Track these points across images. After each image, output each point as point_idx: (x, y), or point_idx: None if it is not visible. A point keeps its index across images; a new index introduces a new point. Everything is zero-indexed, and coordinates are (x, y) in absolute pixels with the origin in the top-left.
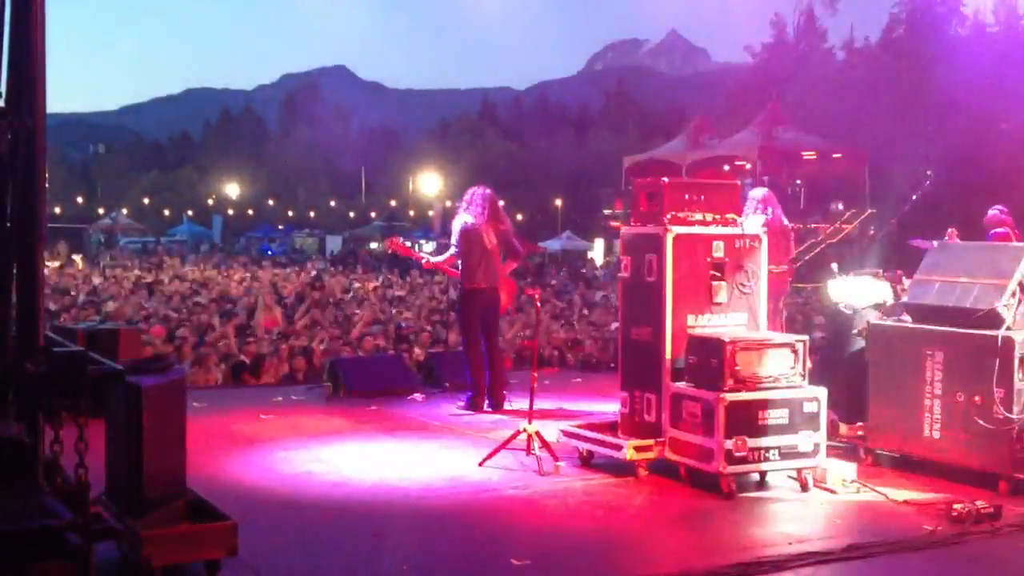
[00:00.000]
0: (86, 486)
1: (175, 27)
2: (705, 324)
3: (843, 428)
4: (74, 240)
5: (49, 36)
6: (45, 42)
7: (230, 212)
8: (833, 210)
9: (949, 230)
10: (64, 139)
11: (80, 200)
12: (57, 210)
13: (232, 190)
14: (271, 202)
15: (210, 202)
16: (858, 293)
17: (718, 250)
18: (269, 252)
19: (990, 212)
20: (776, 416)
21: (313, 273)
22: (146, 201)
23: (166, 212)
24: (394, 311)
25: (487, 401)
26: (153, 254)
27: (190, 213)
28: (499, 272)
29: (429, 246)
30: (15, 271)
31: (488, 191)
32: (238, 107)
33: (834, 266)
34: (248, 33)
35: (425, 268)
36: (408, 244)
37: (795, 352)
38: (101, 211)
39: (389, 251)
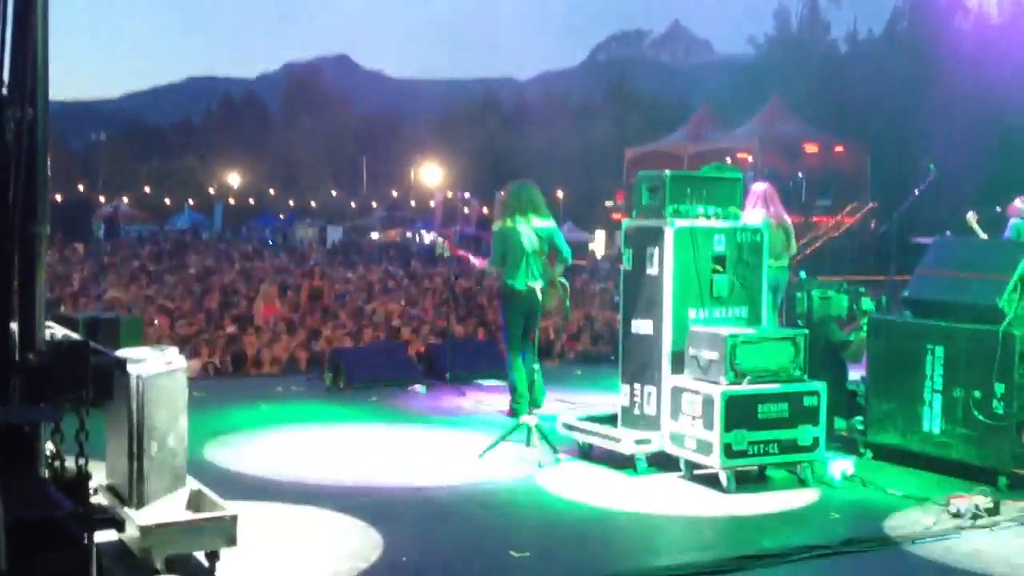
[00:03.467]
0: (87, 476)
1: (177, 14)
2: (706, 317)
3: (838, 423)
4: (76, 228)
5: (51, 23)
6: (48, 31)
7: (231, 201)
8: (821, 206)
9: (970, 213)
10: (65, 126)
11: (81, 188)
12: (58, 197)
13: (233, 179)
14: (272, 191)
15: (211, 191)
16: (816, 306)
17: (719, 243)
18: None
19: (1015, 202)
20: (775, 410)
21: (312, 263)
22: (148, 189)
23: (167, 200)
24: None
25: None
26: (154, 242)
27: (191, 202)
28: (547, 273)
29: (429, 237)
30: (16, 260)
31: (514, 185)
32: (240, 95)
33: (802, 273)
34: (250, 21)
35: (479, 268)
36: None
37: (795, 346)
38: (103, 199)
39: (437, 252)
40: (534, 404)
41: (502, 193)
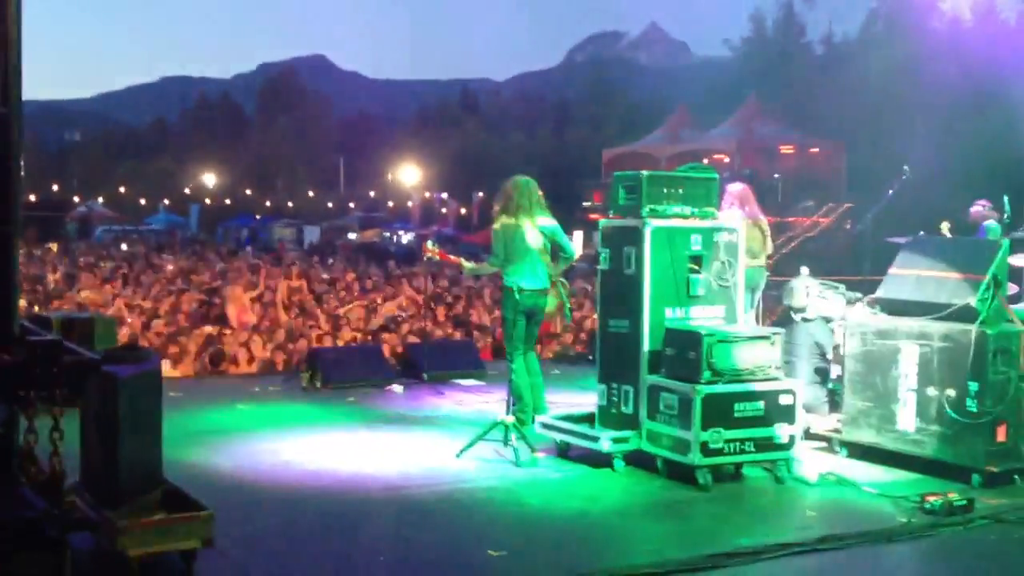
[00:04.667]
0: (61, 476)
1: (152, 14)
2: (683, 316)
3: (812, 422)
4: (49, 228)
5: (24, 22)
6: (22, 32)
7: (207, 201)
8: (805, 207)
9: (943, 224)
10: (39, 126)
11: (55, 188)
12: (32, 198)
13: (209, 179)
14: (248, 191)
15: (187, 191)
16: (814, 304)
17: (696, 243)
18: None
19: (975, 207)
20: (752, 408)
21: (290, 264)
22: (122, 189)
23: (142, 201)
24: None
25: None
26: (129, 242)
27: (167, 202)
28: (547, 272)
29: (407, 237)
30: None
31: (517, 181)
32: (215, 95)
33: (804, 269)
34: (225, 21)
35: (469, 270)
36: (436, 247)
37: (771, 345)
38: (77, 199)
39: (426, 257)
40: (536, 411)
41: (505, 188)
